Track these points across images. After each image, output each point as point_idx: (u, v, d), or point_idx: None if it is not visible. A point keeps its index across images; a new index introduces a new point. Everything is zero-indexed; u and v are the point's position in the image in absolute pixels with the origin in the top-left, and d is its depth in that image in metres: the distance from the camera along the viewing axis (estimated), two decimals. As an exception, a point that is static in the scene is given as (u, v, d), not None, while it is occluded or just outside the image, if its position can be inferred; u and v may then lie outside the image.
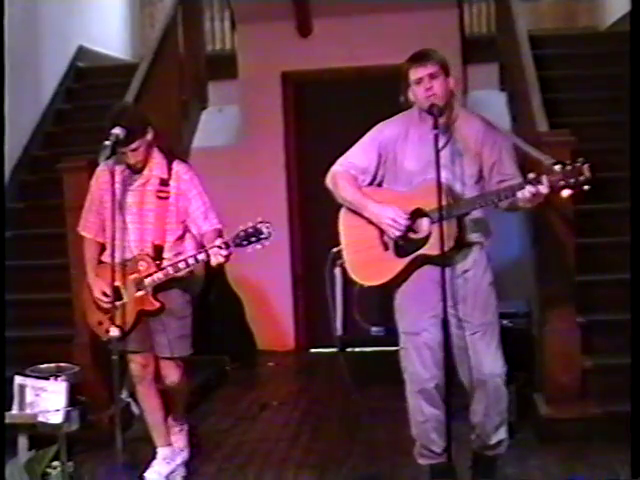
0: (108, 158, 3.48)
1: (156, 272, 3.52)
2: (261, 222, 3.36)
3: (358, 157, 3.38)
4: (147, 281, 3.53)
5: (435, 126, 3.12)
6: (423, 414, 3.36)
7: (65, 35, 6.79)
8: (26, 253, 5.30)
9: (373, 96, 6.44)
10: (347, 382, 3.57)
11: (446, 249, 3.10)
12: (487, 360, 3.30)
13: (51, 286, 4.98)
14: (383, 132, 3.39)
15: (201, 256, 3.45)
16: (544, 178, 3.01)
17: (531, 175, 3.06)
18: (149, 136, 3.59)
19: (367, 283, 3.37)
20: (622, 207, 4.03)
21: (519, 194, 3.05)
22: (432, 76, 3.23)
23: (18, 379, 3.72)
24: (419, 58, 3.26)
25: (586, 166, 2.97)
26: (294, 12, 6.47)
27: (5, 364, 3.74)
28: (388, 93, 6.54)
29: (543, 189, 3.01)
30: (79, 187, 4.43)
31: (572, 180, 2.98)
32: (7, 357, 3.78)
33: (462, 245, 3.23)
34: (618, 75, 4.92)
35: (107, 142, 3.41)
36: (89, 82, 6.91)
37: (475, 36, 7.01)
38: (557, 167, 3.00)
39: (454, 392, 3.33)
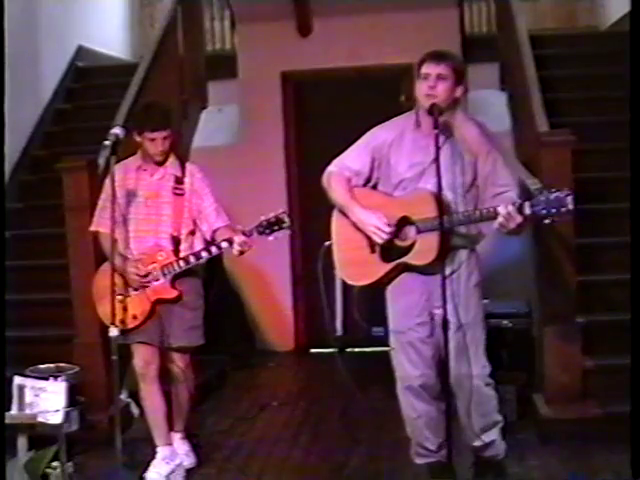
0: (108, 158, 3.54)
1: (176, 261, 3.63)
2: (282, 213, 3.56)
3: (352, 160, 3.41)
4: (167, 269, 3.64)
5: (435, 126, 3.11)
6: (415, 410, 3.41)
7: (65, 35, 6.78)
8: (26, 253, 5.29)
9: (373, 96, 6.44)
10: (348, 383, 3.60)
11: (427, 261, 3.15)
12: (467, 360, 3.30)
13: (51, 286, 4.98)
14: (377, 136, 3.40)
15: (224, 244, 3.57)
16: (526, 205, 2.99)
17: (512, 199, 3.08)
18: (174, 130, 3.84)
19: (353, 282, 3.44)
20: (622, 207, 4.02)
21: (500, 218, 3.03)
22: (440, 76, 3.22)
23: (17, 379, 3.72)
24: (433, 56, 3.27)
25: (570, 198, 2.95)
26: (294, 12, 6.47)
27: (5, 364, 3.73)
28: (388, 93, 6.63)
29: (517, 218, 3.00)
30: (79, 187, 4.44)
31: (554, 210, 2.96)
32: (7, 357, 3.77)
33: (444, 256, 3.22)
34: (618, 75, 4.92)
35: (107, 142, 3.48)
36: (89, 82, 6.91)
37: (475, 36, 7.01)
38: (542, 196, 2.97)
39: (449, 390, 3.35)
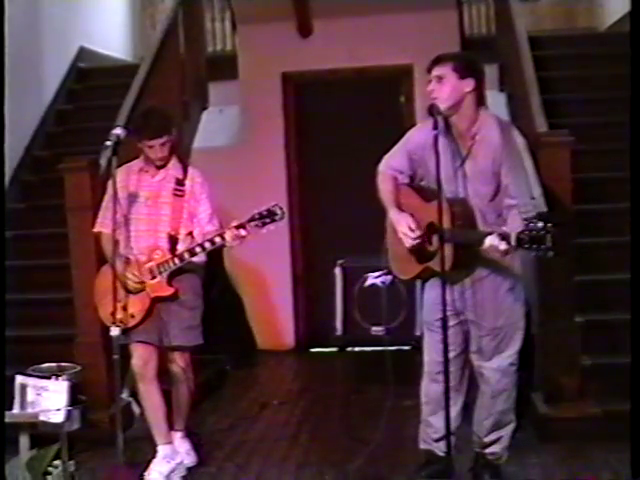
0: (110, 158, 3.57)
1: (172, 258, 3.66)
2: (274, 205, 3.59)
3: (394, 159, 3.50)
4: (164, 267, 3.67)
5: (435, 127, 3.13)
6: (426, 395, 3.51)
7: (66, 36, 6.81)
8: (27, 253, 5.31)
9: (373, 97, 6.46)
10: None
11: (445, 269, 3.16)
12: (491, 360, 3.39)
13: (51, 286, 5.00)
14: (412, 138, 3.47)
15: (217, 239, 3.58)
16: (513, 236, 2.99)
17: (500, 229, 3.10)
18: (174, 134, 3.84)
19: (398, 276, 3.58)
20: (622, 207, 4.04)
21: (486, 242, 3.06)
22: (438, 78, 3.27)
23: (19, 378, 3.73)
24: (432, 61, 3.32)
25: (548, 236, 2.91)
26: (294, 13, 6.49)
27: (5, 364, 3.75)
28: (388, 93, 6.65)
29: (502, 246, 3.02)
30: (80, 187, 4.46)
31: (535, 246, 2.94)
32: (8, 357, 3.79)
33: (462, 266, 3.27)
34: (617, 75, 4.93)
35: (108, 142, 3.53)
36: (90, 83, 6.93)
37: (475, 37, 7.04)
38: (526, 230, 2.94)
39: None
